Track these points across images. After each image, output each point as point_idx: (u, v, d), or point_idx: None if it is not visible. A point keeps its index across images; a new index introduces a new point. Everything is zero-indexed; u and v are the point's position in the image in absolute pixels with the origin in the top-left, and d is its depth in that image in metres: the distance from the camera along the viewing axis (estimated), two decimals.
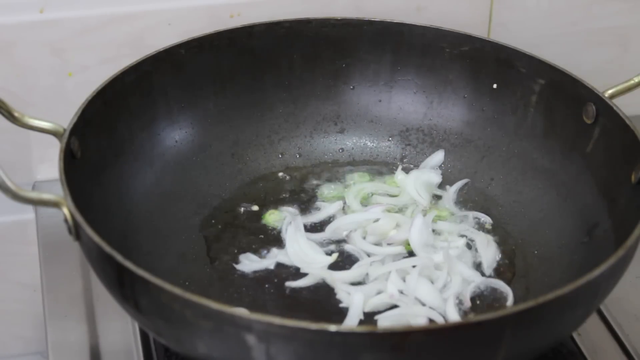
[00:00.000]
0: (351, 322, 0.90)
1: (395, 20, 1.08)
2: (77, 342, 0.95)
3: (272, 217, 1.02)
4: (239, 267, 0.96)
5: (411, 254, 0.97)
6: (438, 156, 1.09)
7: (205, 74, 1.05)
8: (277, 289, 0.94)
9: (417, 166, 1.09)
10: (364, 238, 0.99)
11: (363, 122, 1.12)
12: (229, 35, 1.06)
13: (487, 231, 1.01)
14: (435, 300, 0.91)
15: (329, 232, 1.00)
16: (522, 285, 0.95)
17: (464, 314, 0.92)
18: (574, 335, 0.94)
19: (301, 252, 0.97)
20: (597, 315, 0.97)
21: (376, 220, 1.00)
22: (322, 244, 0.99)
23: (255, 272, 0.96)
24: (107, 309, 0.97)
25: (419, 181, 1.06)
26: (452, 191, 1.05)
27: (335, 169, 1.09)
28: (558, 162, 1.02)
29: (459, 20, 1.12)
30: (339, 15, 1.09)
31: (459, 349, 0.74)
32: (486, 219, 1.02)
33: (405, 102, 1.11)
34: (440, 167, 1.09)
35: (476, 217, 1.02)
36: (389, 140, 1.11)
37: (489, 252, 0.98)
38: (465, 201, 1.05)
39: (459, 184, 1.06)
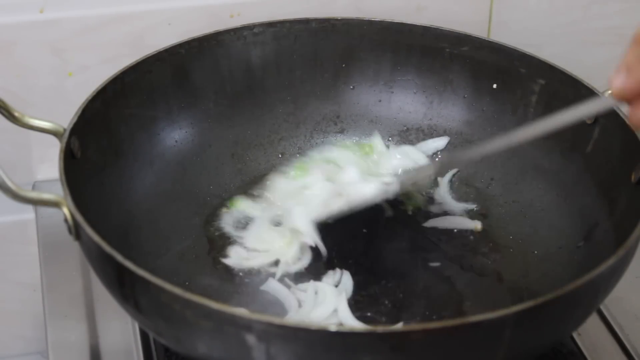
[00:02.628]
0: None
1: (395, 20, 1.08)
2: (77, 342, 0.95)
3: (240, 204, 1.02)
4: (226, 261, 0.96)
5: None
6: (440, 142, 1.09)
7: (205, 74, 1.05)
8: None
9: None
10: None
11: (363, 122, 1.12)
12: (229, 35, 1.06)
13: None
14: None
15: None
16: (522, 285, 0.95)
17: None
18: (574, 335, 0.94)
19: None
20: (597, 315, 0.97)
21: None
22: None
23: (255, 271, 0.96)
24: (107, 309, 0.97)
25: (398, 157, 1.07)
26: (444, 182, 1.06)
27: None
28: (558, 162, 1.02)
29: (459, 20, 1.12)
30: (339, 15, 1.09)
31: (459, 349, 0.74)
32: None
33: (405, 102, 1.11)
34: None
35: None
36: (388, 140, 1.11)
37: None
38: (465, 201, 1.05)
39: (449, 175, 1.06)
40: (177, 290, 0.73)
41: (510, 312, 0.73)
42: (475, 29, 1.09)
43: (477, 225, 1.01)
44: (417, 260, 0.98)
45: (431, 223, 1.02)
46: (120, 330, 0.96)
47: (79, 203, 0.81)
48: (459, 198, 1.05)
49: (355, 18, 1.09)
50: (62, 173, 0.84)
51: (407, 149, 1.09)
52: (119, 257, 0.76)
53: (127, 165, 0.98)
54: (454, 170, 1.07)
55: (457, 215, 1.03)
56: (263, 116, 1.09)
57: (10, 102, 0.90)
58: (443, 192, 1.05)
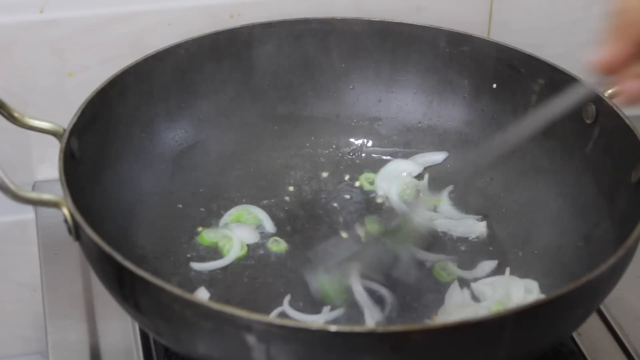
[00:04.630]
0: None
1: (395, 20, 1.08)
2: (77, 342, 0.95)
3: (208, 236, 1.00)
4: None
5: None
6: (437, 156, 1.09)
7: (205, 74, 1.05)
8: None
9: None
10: None
11: (363, 122, 1.12)
12: (229, 35, 1.06)
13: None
14: None
15: None
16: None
17: None
18: (574, 335, 0.94)
19: None
20: (597, 315, 0.97)
21: None
22: None
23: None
24: (107, 309, 0.97)
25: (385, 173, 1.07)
26: (444, 196, 1.05)
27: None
28: (558, 162, 1.02)
29: (459, 20, 1.12)
30: (339, 15, 1.09)
31: (459, 349, 0.74)
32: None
33: (405, 102, 1.11)
34: (440, 166, 1.09)
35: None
36: (388, 140, 1.11)
37: None
38: (465, 202, 1.05)
39: (448, 190, 1.06)
40: (177, 290, 0.73)
41: (510, 312, 0.74)
42: (475, 29, 1.09)
43: (482, 229, 1.01)
44: (418, 261, 0.98)
45: (434, 225, 1.02)
46: (120, 330, 0.96)
47: (79, 203, 0.81)
48: (466, 210, 1.05)
49: (355, 18, 1.09)
50: (62, 173, 0.84)
51: (399, 163, 1.08)
52: (119, 257, 0.76)
53: (127, 165, 0.98)
54: (450, 187, 1.07)
55: (462, 219, 1.03)
56: (262, 116, 1.09)
57: (10, 102, 0.90)
58: (445, 208, 1.05)
